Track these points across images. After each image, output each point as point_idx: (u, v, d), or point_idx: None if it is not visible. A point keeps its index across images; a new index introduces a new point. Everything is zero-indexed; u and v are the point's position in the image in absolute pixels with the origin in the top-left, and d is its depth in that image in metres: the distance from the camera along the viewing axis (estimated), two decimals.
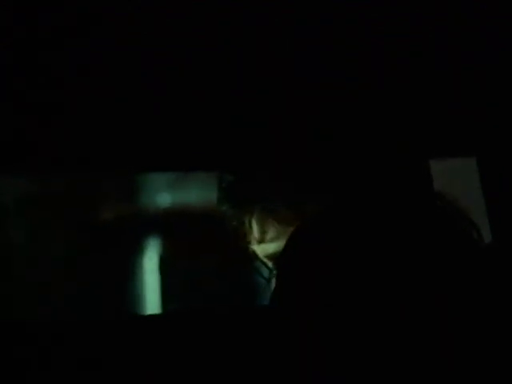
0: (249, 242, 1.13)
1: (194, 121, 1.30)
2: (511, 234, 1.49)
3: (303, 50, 1.03)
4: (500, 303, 0.48)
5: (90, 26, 1.00)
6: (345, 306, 0.44)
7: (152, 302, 1.90)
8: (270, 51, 1.05)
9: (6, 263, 1.72)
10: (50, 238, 1.91)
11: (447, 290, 0.44)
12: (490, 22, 1.23)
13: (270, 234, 1.13)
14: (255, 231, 1.12)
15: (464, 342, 0.44)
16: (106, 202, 2.01)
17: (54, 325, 1.33)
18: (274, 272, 0.45)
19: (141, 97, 1.20)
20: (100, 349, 1.28)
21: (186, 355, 1.31)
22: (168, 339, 1.31)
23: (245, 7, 1.00)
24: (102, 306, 1.78)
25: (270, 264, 1.10)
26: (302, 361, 0.45)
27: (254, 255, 1.14)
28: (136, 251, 2.00)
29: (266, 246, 1.11)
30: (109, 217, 2.06)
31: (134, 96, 1.19)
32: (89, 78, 1.09)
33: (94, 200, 1.97)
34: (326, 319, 0.44)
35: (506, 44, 1.37)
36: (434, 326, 0.44)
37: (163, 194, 1.95)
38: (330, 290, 0.45)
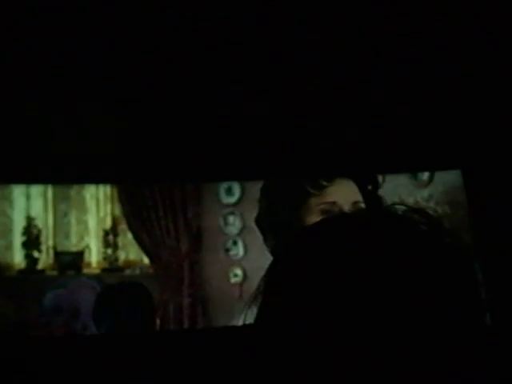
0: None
1: (184, 135, 1.29)
2: (495, 245, 1.49)
3: (303, 50, 1.03)
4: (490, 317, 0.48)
5: (90, 25, 1.00)
6: (332, 323, 0.44)
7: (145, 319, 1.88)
8: (270, 51, 1.05)
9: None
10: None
11: (435, 307, 0.44)
12: (487, 29, 1.24)
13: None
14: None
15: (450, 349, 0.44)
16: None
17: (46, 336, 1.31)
18: (260, 289, 0.45)
19: (140, 109, 1.20)
20: (91, 364, 1.27)
21: (170, 376, 1.29)
22: (156, 358, 1.30)
23: (245, 7, 1.00)
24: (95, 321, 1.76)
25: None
26: (288, 378, 0.45)
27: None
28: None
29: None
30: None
31: (135, 105, 1.18)
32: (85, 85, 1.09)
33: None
34: (313, 337, 0.44)
35: (491, 59, 1.38)
36: (426, 354, 0.43)
37: None
38: (318, 306, 0.44)
